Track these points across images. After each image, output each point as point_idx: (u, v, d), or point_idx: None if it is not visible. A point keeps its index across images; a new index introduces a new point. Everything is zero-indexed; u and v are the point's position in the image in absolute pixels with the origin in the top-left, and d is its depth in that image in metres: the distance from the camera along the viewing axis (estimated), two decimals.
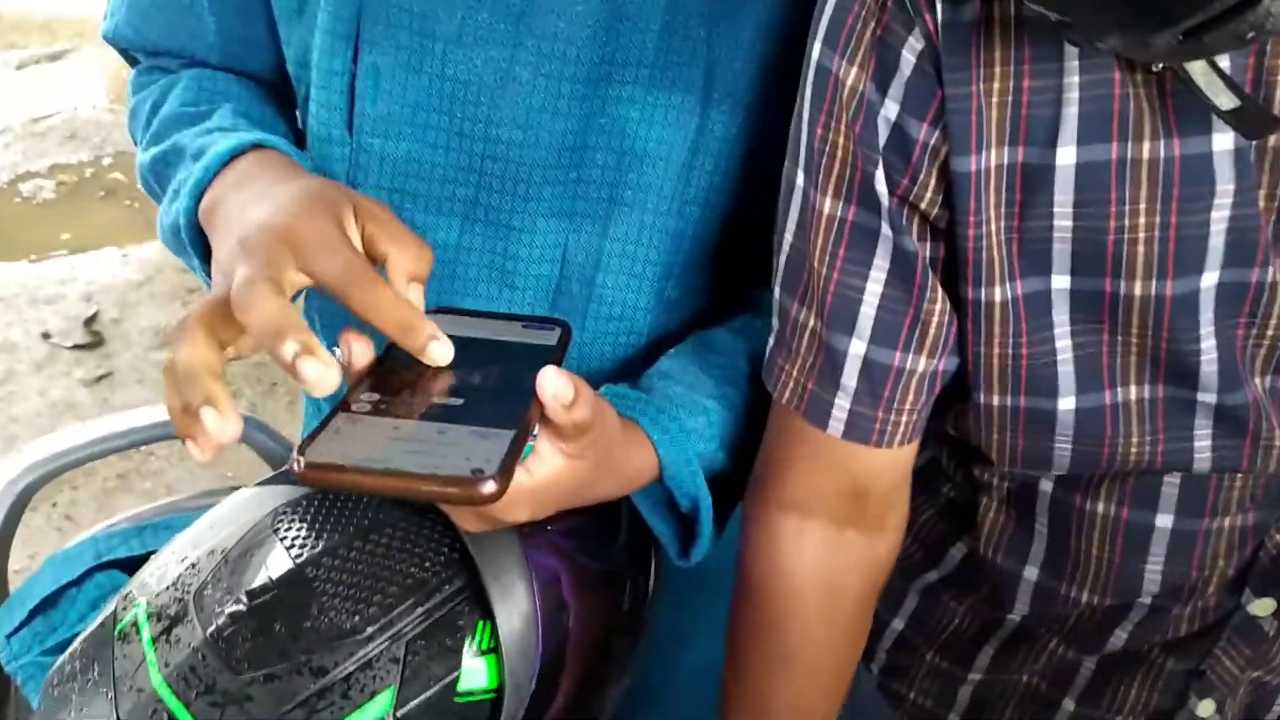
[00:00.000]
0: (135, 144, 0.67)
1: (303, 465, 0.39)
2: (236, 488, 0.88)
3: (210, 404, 0.39)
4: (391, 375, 0.44)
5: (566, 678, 0.54)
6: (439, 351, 0.43)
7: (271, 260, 0.42)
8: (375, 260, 0.46)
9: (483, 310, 0.51)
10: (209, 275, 0.56)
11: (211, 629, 0.48)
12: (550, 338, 0.49)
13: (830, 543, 0.58)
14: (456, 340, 0.47)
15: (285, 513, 0.52)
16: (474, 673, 0.50)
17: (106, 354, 2.38)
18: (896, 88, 0.47)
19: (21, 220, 2.88)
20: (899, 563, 0.62)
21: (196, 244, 0.55)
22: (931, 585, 0.68)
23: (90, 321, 2.46)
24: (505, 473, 0.39)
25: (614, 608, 0.58)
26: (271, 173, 0.51)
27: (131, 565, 0.74)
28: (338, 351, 0.44)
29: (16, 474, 0.77)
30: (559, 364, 0.47)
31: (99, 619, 0.53)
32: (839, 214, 0.51)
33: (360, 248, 0.46)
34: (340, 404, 0.42)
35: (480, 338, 0.48)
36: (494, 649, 0.51)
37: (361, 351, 0.45)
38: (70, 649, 0.52)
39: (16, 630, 0.70)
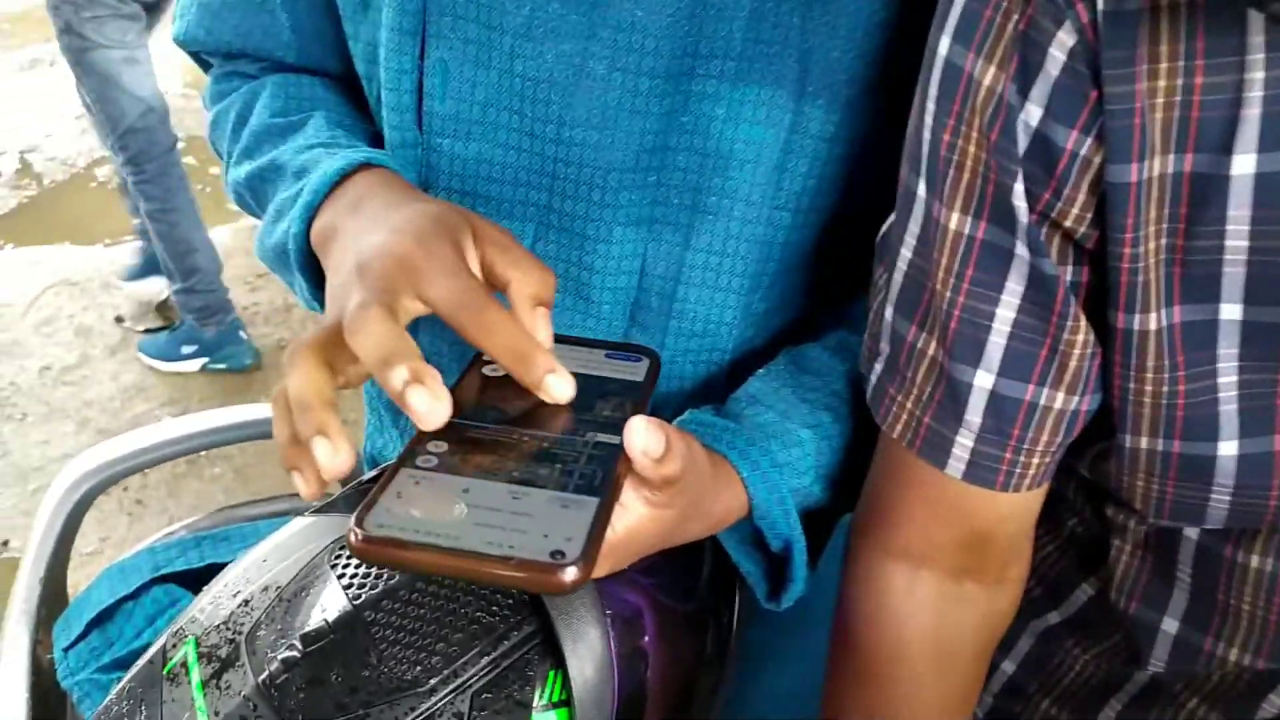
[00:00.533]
0: (219, 155, 0.64)
1: (359, 539, 0.34)
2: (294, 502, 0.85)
3: (323, 435, 0.37)
4: (460, 414, 0.40)
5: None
6: (557, 388, 0.39)
7: (386, 286, 0.40)
8: (496, 287, 0.44)
9: (563, 335, 0.46)
10: (315, 299, 0.55)
11: (264, 676, 0.44)
12: (637, 371, 0.44)
13: (945, 597, 0.52)
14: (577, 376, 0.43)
15: (345, 548, 0.48)
16: None
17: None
18: (1041, 89, 0.41)
19: (96, 206, 2.93)
20: None
21: (306, 269, 0.53)
22: (1052, 628, 0.62)
23: (163, 306, 2.48)
24: (588, 557, 0.34)
25: (697, 650, 0.53)
26: (385, 194, 0.49)
27: (188, 579, 0.71)
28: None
29: (72, 482, 0.75)
30: (646, 403, 0.42)
31: (147, 655, 0.49)
32: (967, 231, 0.45)
33: (479, 274, 0.43)
34: (403, 456, 0.38)
35: None
36: (566, 701, 0.46)
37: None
38: (119, 688, 0.49)
39: (74, 644, 0.68)
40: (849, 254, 0.58)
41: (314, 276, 0.53)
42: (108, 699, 0.49)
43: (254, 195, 0.59)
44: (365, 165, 0.51)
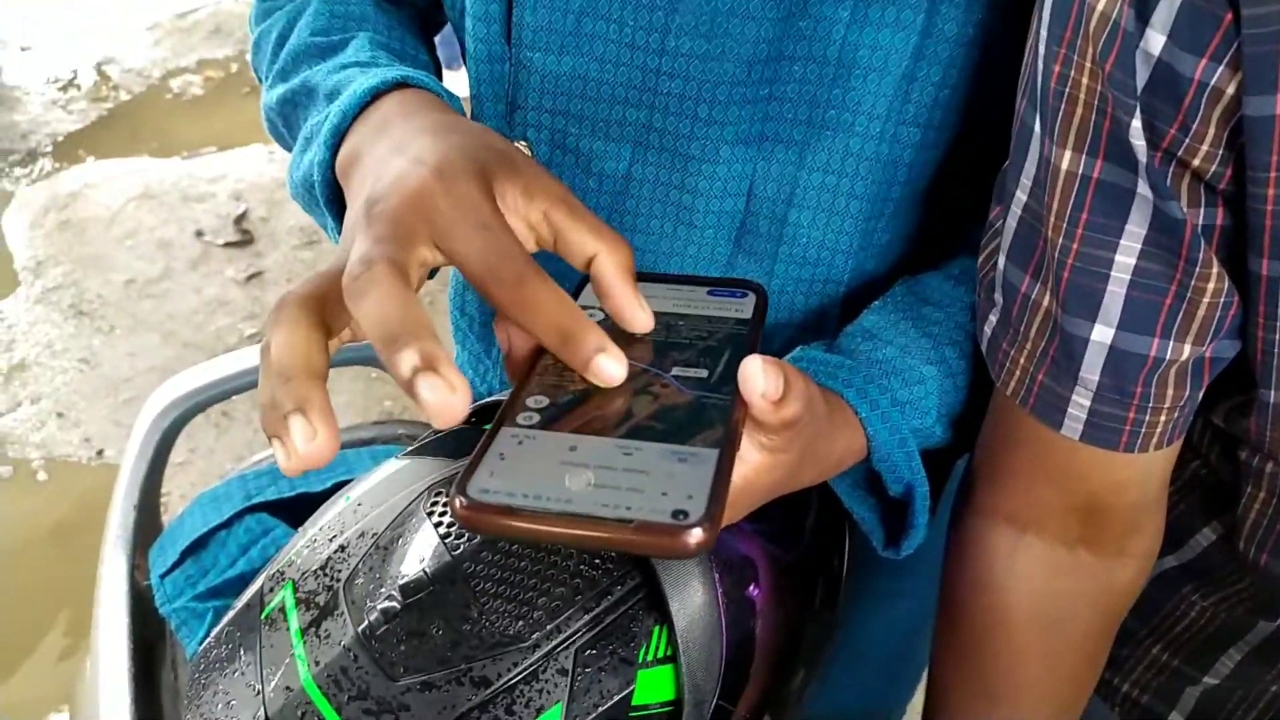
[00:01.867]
0: (260, 81, 0.59)
1: (464, 506, 0.31)
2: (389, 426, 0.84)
3: (300, 413, 0.31)
4: (562, 370, 0.36)
5: (753, 682, 0.48)
6: (608, 369, 0.34)
7: (399, 233, 0.34)
8: (555, 252, 0.38)
9: (657, 274, 0.43)
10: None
11: (363, 626, 0.43)
12: (743, 308, 0.40)
13: (1054, 566, 0.49)
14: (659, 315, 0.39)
15: (442, 491, 0.46)
16: (650, 685, 0.44)
17: (256, 252, 2.42)
18: (1163, 13, 0.35)
19: (172, 117, 2.93)
20: None
21: (333, 204, 0.46)
22: (1167, 573, 0.58)
23: (240, 220, 2.50)
24: (713, 517, 0.30)
25: (805, 601, 0.51)
26: (418, 118, 0.42)
27: (279, 508, 0.71)
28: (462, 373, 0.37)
29: (163, 407, 0.75)
30: (758, 341, 0.39)
31: (245, 598, 0.49)
32: (1081, 170, 0.40)
33: (523, 229, 0.38)
34: (503, 414, 0.34)
35: (660, 313, 0.40)
36: (671, 657, 0.44)
37: (523, 343, 0.37)
38: (217, 630, 0.48)
39: (169, 571, 0.68)
40: (980, 177, 0.53)
41: (340, 212, 0.47)
42: (206, 642, 0.49)
43: (285, 122, 0.54)
44: (402, 85, 0.45)
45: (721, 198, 0.52)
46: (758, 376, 0.34)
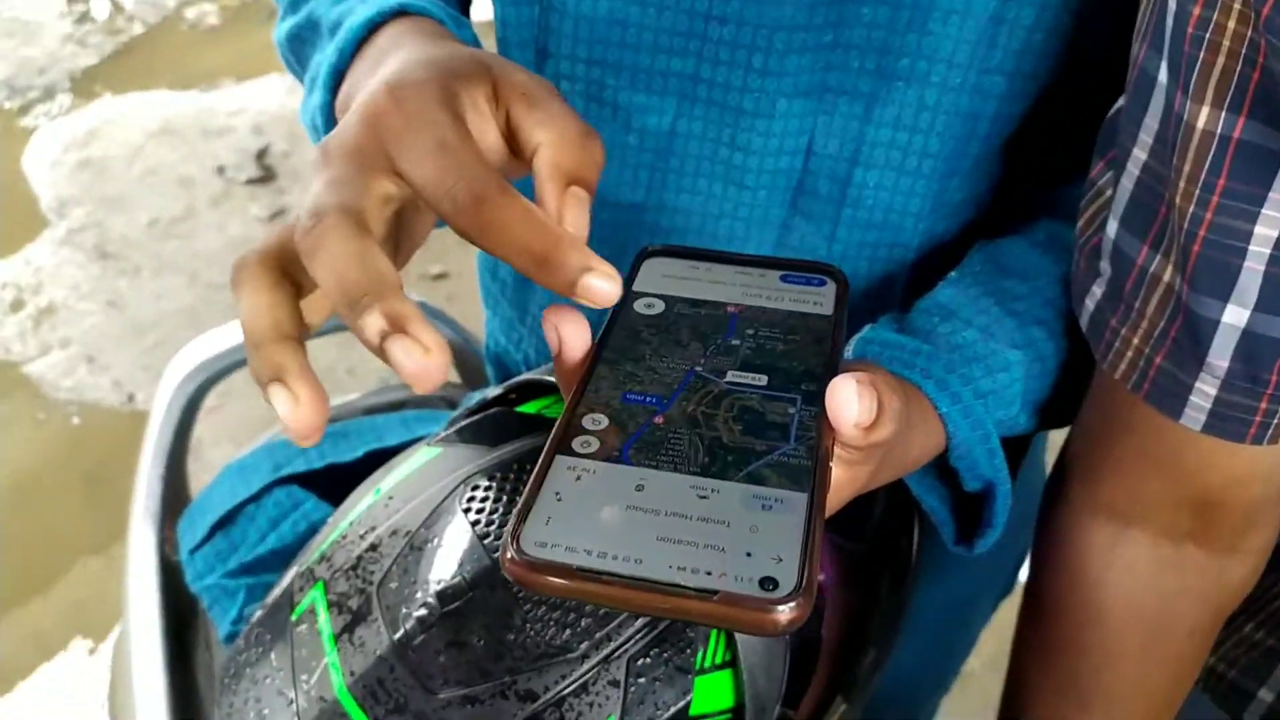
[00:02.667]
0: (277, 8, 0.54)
1: (515, 562, 0.26)
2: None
3: (278, 381, 0.28)
4: (619, 378, 0.31)
5: (817, 678, 0.45)
6: (600, 289, 0.28)
7: (352, 171, 0.30)
8: (524, 157, 0.33)
9: (715, 252, 0.37)
10: None
11: (399, 635, 0.40)
12: (823, 299, 0.35)
13: (1159, 562, 0.45)
14: (688, 306, 0.34)
15: (478, 485, 0.43)
16: (708, 693, 0.41)
17: (279, 189, 2.38)
18: None
19: (188, 48, 2.87)
20: None
21: None
22: None
23: (261, 155, 2.45)
24: (807, 589, 0.25)
25: (872, 590, 0.47)
26: (405, 45, 0.37)
27: (309, 480, 0.68)
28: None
29: (187, 373, 0.72)
30: (840, 346, 0.33)
31: (274, 595, 0.46)
32: (1221, 130, 0.34)
33: (493, 139, 0.32)
34: (558, 438, 0.30)
35: (724, 303, 0.34)
36: (730, 661, 0.41)
37: (579, 337, 0.32)
38: (245, 631, 0.46)
39: (199, 546, 0.66)
40: (1071, 130, 0.48)
41: None
42: (235, 643, 0.46)
43: (297, 59, 0.49)
44: (402, 13, 0.40)
45: (777, 155, 0.47)
46: (851, 404, 0.29)
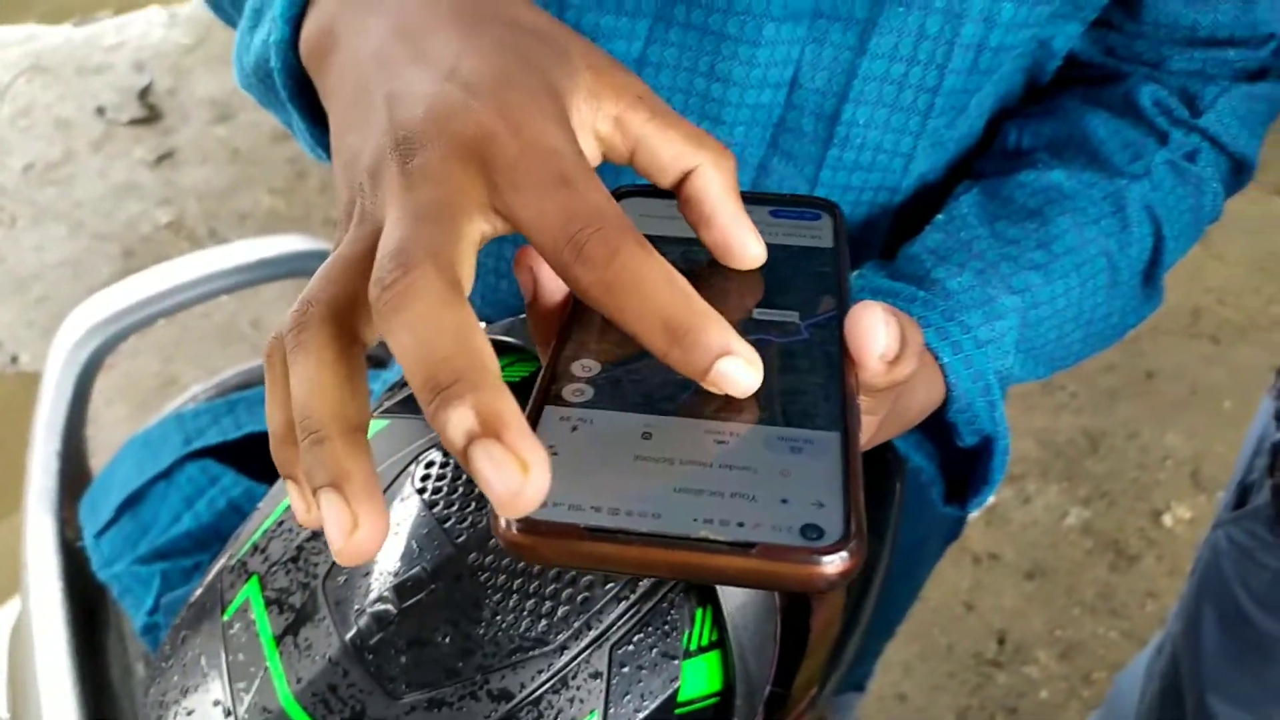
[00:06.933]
0: None
1: (517, 529, 0.22)
2: None
3: (337, 490, 0.22)
4: (606, 322, 0.27)
5: (812, 655, 0.42)
6: (740, 378, 0.23)
7: (451, 207, 0.24)
8: (620, 164, 0.29)
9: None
10: (320, 144, 0.37)
11: (352, 634, 0.36)
12: (820, 233, 0.32)
13: None
14: (674, 245, 0.30)
15: (433, 462, 0.38)
16: (696, 677, 0.38)
17: (165, 129, 2.23)
18: None
19: None
20: None
21: (299, 97, 0.35)
22: None
23: (144, 94, 2.29)
24: (857, 533, 0.22)
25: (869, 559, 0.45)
26: None
27: (225, 452, 0.62)
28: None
29: (78, 339, 0.65)
30: (847, 280, 0.30)
31: (199, 591, 0.41)
32: None
33: (591, 145, 0.28)
34: (543, 387, 0.26)
35: None
36: (719, 643, 0.38)
37: (555, 287, 0.28)
38: (170, 634, 0.41)
39: (104, 529, 0.60)
40: (1083, 59, 0.45)
41: (312, 109, 0.36)
42: (161, 648, 0.41)
43: None
44: None
45: (760, 88, 0.42)
46: (877, 333, 0.26)
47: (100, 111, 2.26)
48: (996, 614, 1.56)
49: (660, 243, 0.30)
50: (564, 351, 0.27)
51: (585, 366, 0.26)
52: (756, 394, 0.25)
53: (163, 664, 0.40)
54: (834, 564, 0.21)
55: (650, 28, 0.42)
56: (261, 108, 0.40)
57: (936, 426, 0.42)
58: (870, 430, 0.32)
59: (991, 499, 1.70)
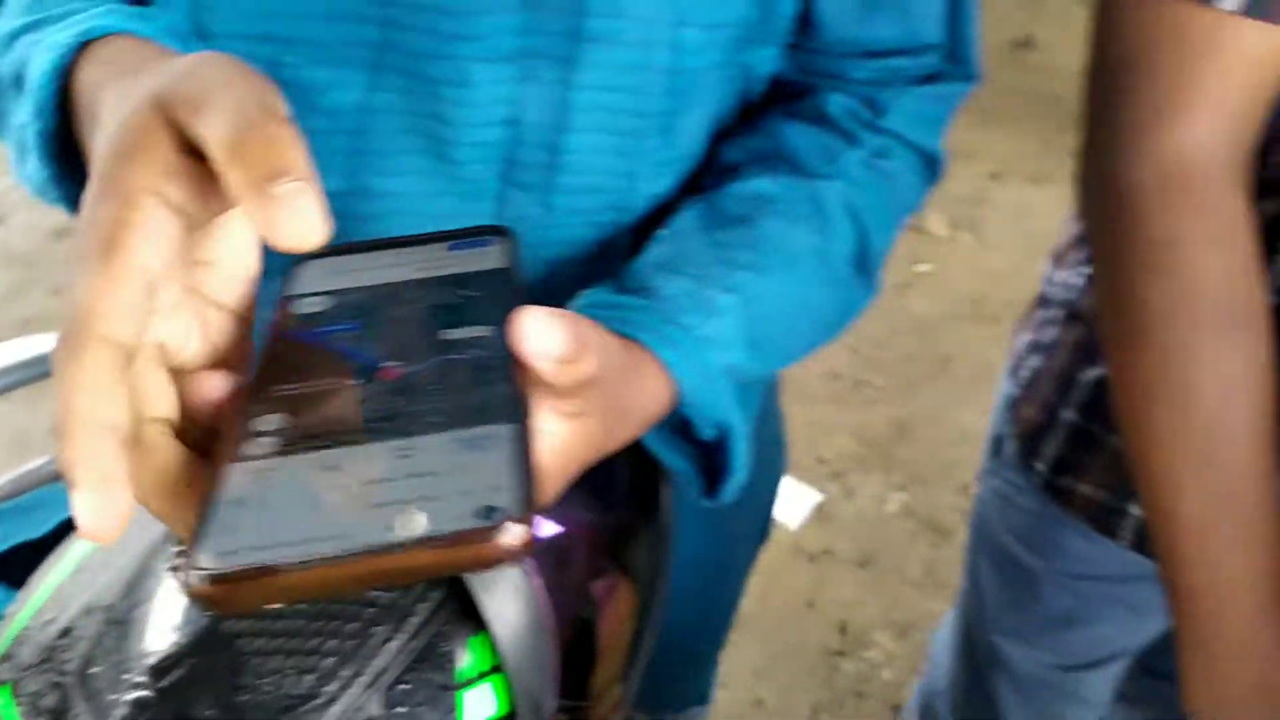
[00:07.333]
0: None
1: (205, 581, 0.23)
2: None
3: (96, 489, 0.23)
4: (289, 374, 0.29)
5: (605, 660, 0.44)
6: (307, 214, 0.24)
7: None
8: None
9: (372, 240, 0.36)
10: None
11: None
12: (492, 256, 0.34)
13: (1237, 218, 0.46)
14: (356, 294, 0.33)
15: (178, 539, 0.38)
16: (477, 704, 0.39)
17: None
18: None
19: None
20: None
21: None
22: None
23: None
24: (528, 503, 0.24)
25: (638, 565, 0.47)
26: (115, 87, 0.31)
27: None
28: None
29: None
30: (520, 291, 0.33)
31: None
32: None
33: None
34: (222, 450, 0.27)
35: (394, 281, 0.33)
36: (496, 668, 0.39)
37: (218, 386, 0.28)
38: None
39: None
40: (782, 78, 0.49)
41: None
42: None
43: None
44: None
45: (483, 126, 0.45)
46: (534, 331, 0.28)
47: None
48: (836, 606, 1.62)
49: (342, 294, 0.33)
50: (240, 418, 0.28)
51: (265, 423, 0.27)
52: (438, 404, 0.28)
53: None
54: (509, 534, 0.24)
55: (369, 76, 0.44)
56: (38, 208, 0.41)
57: (683, 426, 0.45)
58: (598, 434, 0.34)
59: (819, 497, 1.78)
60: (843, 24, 0.50)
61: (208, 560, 0.23)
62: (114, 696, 0.35)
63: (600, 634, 0.42)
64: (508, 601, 0.39)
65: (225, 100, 0.25)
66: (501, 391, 0.28)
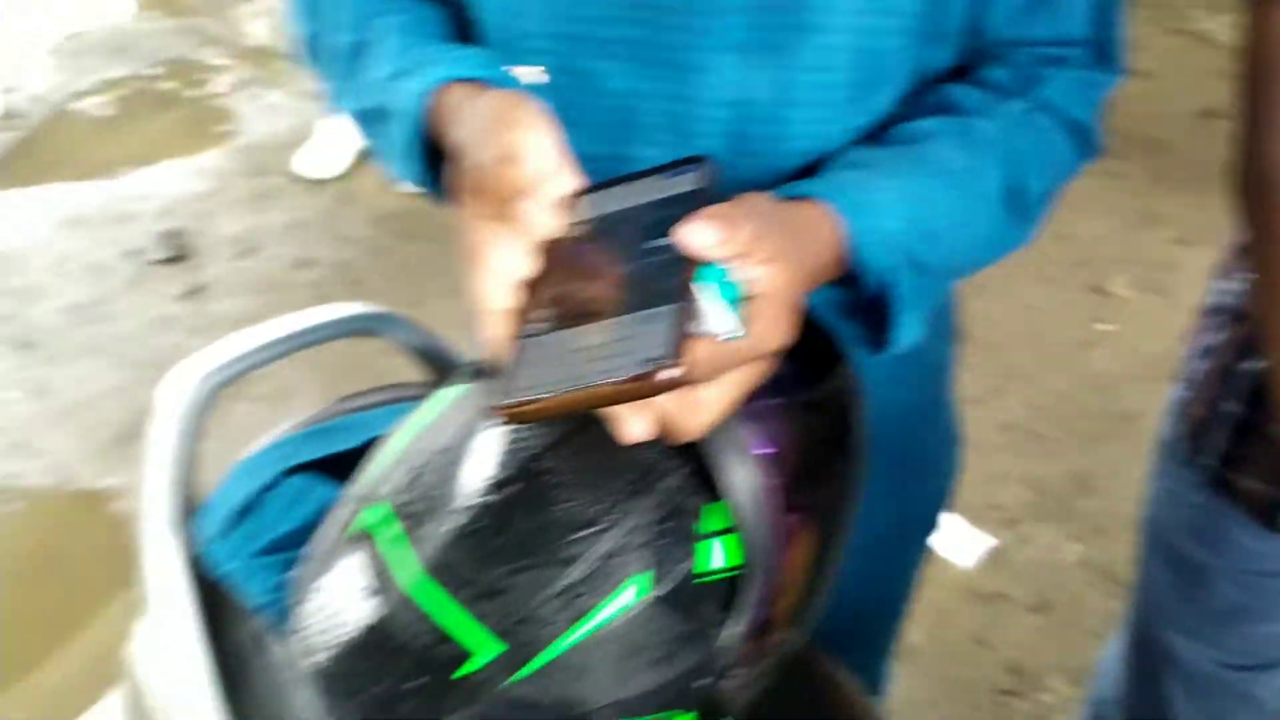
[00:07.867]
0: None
1: (506, 407, 0.41)
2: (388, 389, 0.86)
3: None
4: (558, 277, 0.45)
5: (809, 533, 0.53)
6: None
7: None
8: None
9: (625, 175, 0.51)
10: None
11: (456, 527, 0.48)
12: (692, 179, 0.48)
13: None
14: (604, 219, 0.47)
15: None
16: (715, 553, 0.50)
17: (195, 266, 2.40)
18: None
19: (85, 139, 2.87)
20: None
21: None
22: None
23: (171, 236, 2.47)
24: (675, 353, 0.39)
25: (838, 445, 0.57)
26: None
27: (320, 467, 0.74)
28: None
29: (202, 377, 0.76)
30: (712, 200, 0.46)
31: (324, 525, 0.53)
32: None
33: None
34: (518, 331, 0.44)
35: (627, 208, 0.48)
36: (731, 528, 0.50)
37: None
38: (306, 557, 0.53)
39: (218, 538, 0.71)
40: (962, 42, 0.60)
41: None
42: (300, 569, 0.53)
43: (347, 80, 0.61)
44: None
45: (715, 105, 0.58)
46: (691, 233, 0.43)
47: (132, 254, 2.44)
48: (1008, 647, 1.63)
49: (596, 221, 0.47)
50: (534, 300, 0.45)
51: (543, 310, 0.44)
52: (638, 294, 0.43)
53: (300, 591, 0.51)
54: (664, 374, 0.39)
55: (633, 68, 0.58)
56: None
57: (853, 295, 0.56)
58: (787, 267, 0.46)
59: (993, 542, 1.78)
60: (1006, 25, 0.60)
61: (513, 395, 0.41)
62: (460, 505, 0.48)
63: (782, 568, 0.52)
64: (739, 477, 0.49)
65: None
66: (675, 281, 0.42)
